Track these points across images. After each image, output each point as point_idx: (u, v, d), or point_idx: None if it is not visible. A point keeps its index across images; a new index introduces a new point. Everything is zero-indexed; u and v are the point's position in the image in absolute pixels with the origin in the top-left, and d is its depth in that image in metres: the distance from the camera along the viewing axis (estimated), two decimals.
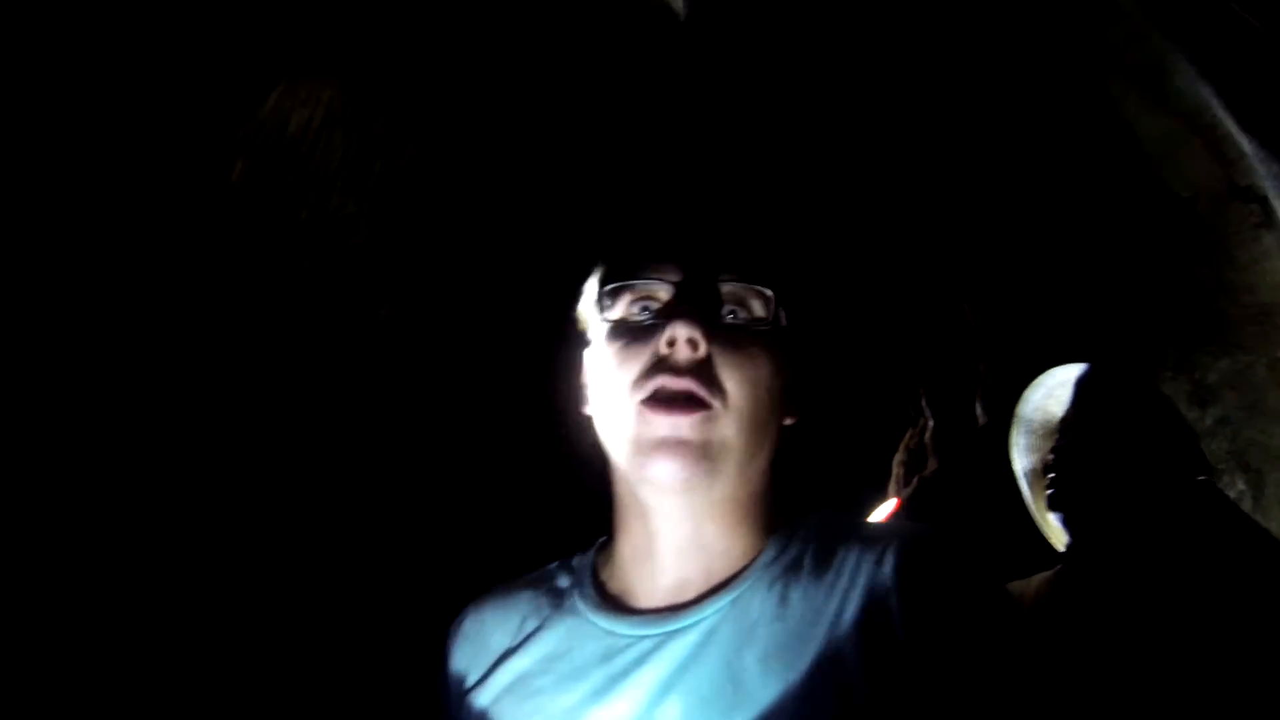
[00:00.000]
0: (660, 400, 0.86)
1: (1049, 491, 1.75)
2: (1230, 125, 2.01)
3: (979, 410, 4.19)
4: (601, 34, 3.42)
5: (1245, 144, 2.02)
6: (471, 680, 0.96)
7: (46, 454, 2.43)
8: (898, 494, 4.97)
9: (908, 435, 5.16)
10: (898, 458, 5.22)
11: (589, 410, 1.00)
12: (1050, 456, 1.79)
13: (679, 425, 0.84)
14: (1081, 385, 1.82)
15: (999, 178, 3.30)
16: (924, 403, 4.92)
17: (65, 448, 2.50)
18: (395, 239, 4.13)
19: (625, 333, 0.92)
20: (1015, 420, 1.97)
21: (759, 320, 0.92)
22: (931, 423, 4.82)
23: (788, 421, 0.98)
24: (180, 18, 2.83)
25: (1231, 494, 2.52)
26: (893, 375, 5.39)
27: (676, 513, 0.90)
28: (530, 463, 3.84)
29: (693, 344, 0.86)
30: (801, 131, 3.87)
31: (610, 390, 0.91)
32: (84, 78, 2.57)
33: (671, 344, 0.86)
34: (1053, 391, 1.88)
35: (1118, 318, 2.65)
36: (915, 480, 4.88)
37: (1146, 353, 2.52)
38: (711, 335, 0.87)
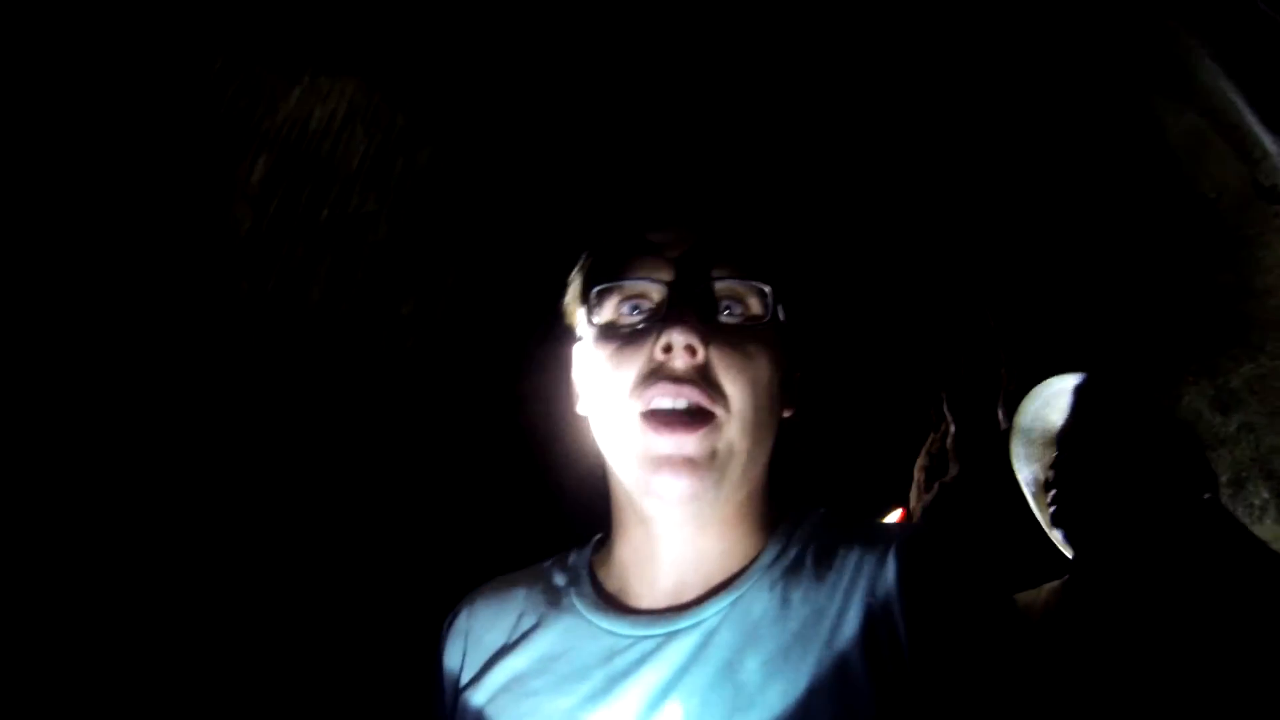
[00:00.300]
0: (662, 418, 0.83)
1: (1051, 508, 1.72)
2: (1254, 124, 1.97)
3: (1001, 415, 4.14)
4: (601, 33, 3.42)
5: (1270, 143, 1.97)
6: (466, 678, 0.95)
7: (54, 450, 2.47)
8: (919, 499, 4.93)
9: (929, 440, 5.12)
10: (919, 463, 5.18)
11: (583, 411, 0.98)
12: (1051, 472, 1.77)
13: (683, 443, 0.82)
14: (1079, 394, 1.79)
15: (1019, 179, 3.26)
16: (946, 408, 4.88)
17: (77, 445, 2.53)
18: (417, 237, 4.15)
19: (616, 337, 0.89)
20: (1014, 430, 1.94)
21: (756, 317, 0.89)
22: (954, 428, 4.78)
23: (786, 414, 0.96)
24: (202, 13, 2.86)
25: (1255, 503, 2.46)
26: (915, 380, 5.35)
27: (679, 519, 0.88)
28: (532, 457, 3.84)
29: (691, 350, 0.83)
30: (812, 128, 3.85)
31: (606, 397, 0.89)
32: (104, 75, 2.60)
33: (668, 350, 0.84)
34: (1051, 400, 1.85)
35: (1139, 321, 2.61)
36: (936, 486, 4.83)
37: (1168, 357, 2.47)
38: (709, 337, 0.84)
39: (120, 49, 2.64)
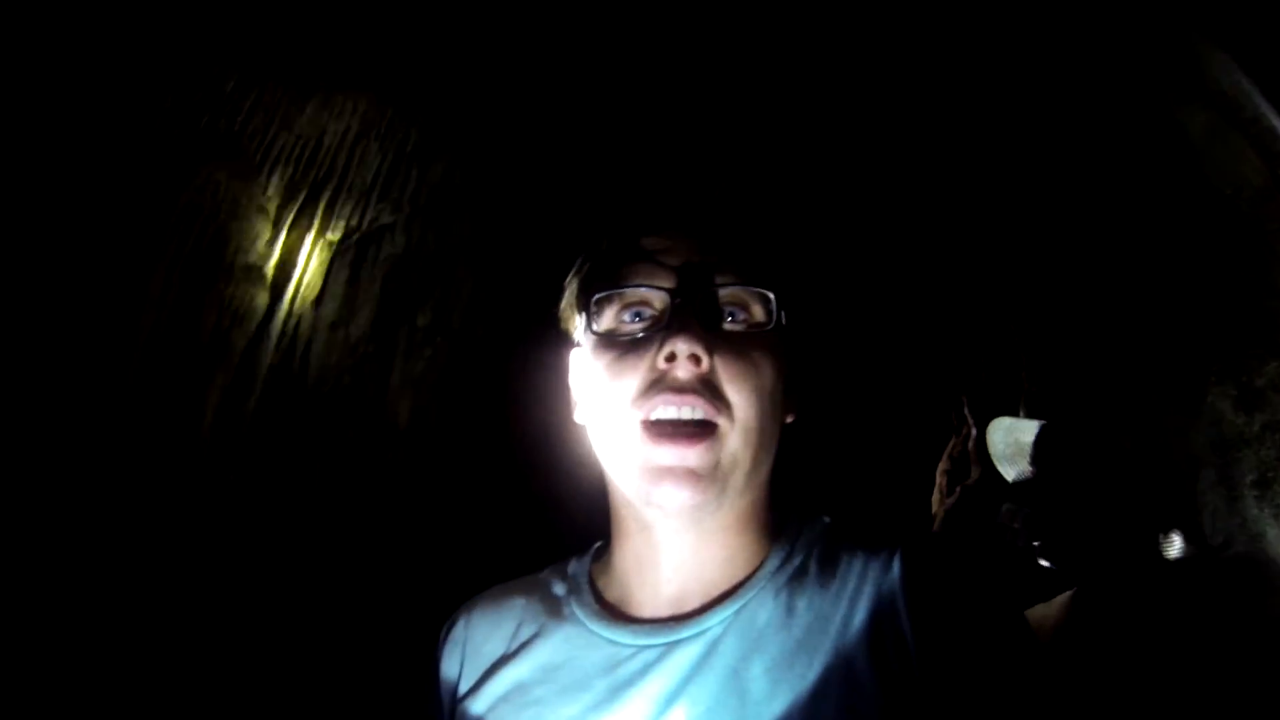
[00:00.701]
0: (664, 430, 0.82)
1: (1034, 545, 1.73)
2: (1272, 118, 1.93)
3: (1022, 417, 4.10)
4: (602, 45, 3.43)
5: None
6: (464, 687, 0.94)
7: (81, 464, 2.49)
8: (941, 502, 4.88)
9: (951, 444, 5.07)
10: (941, 466, 5.12)
11: (580, 419, 0.96)
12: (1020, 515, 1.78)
13: (686, 455, 0.81)
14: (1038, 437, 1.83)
15: (1037, 181, 3.23)
16: (967, 410, 4.84)
17: (99, 454, 2.55)
18: (432, 248, 4.17)
19: (617, 345, 0.87)
20: (996, 461, 1.98)
21: (760, 324, 0.87)
22: (975, 431, 4.73)
23: (788, 420, 0.94)
24: (219, 33, 2.89)
25: None
26: (935, 383, 5.31)
27: (680, 526, 0.87)
28: (528, 464, 3.83)
29: (695, 359, 0.81)
30: (826, 129, 3.83)
31: (606, 407, 0.87)
32: (122, 93, 2.63)
33: (671, 359, 0.82)
34: (1012, 427, 1.88)
35: (1160, 322, 2.57)
36: (959, 489, 4.79)
37: (1191, 358, 2.43)
38: (712, 346, 0.82)
39: (137, 69, 2.66)
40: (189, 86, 2.90)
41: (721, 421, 0.82)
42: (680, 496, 0.82)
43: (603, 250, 0.95)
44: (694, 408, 0.82)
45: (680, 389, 0.82)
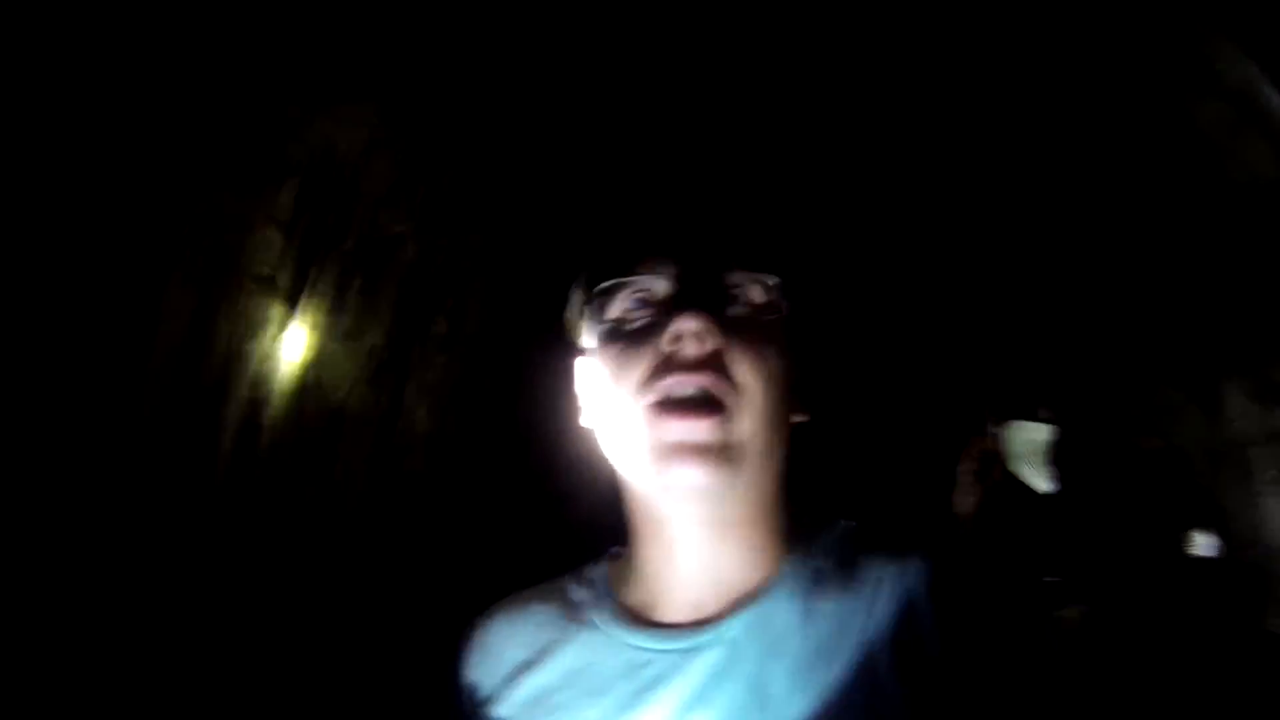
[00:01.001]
0: (673, 405, 0.81)
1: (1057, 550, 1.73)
2: None
3: (1042, 415, 4.08)
4: (605, 39, 3.42)
5: None
6: (487, 694, 0.93)
7: (103, 478, 2.51)
8: (964, 501, 4.85)
9: (973, 442, 5.03)
10: (964, 466, 5.09)
11: (588, 422, 0.96)
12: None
13: (694, 429, 0.80)
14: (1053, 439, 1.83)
15: (1052, 175, 3.21)
16: (989, 410, 4.80)
17: (120, 469, 2.57)
18: (445, 256, 4.18)
19: (623, 334, 0.86)
20: (1014, 463, 1.98)
21: (764, 309, 0.86)
22: (997, 430, 4.70)
23: (799, 419, 0.93)
24: (231, 44, 2.91)
25: None
26: (957, 383, 5.29)
27: (696, 521, 0.86)
28: (546, 472, 3.83)
29: (700, 337, 0.80)
30: (832, 121, 3.81)
31: (614, 397, 0.86)
32: (135, 103, 2.65)
33: (677, 339, 0.81)
34: (1030, 428, 1.90)
35: (1177, 317, 2.55)
36: (982, 489, 4.76)
37: (1208, 352, 2.40)
38: (719, 327, 0.81)
39: (146, 84, 2.69)
40: (199, 100, 2.92)
41: (731, 400, 0.81)
42: (692, 475, 0.80)
43: (606, 244, 0.94)
44: (703, 385, 0.81)
45: (688, 367, 0.81)
